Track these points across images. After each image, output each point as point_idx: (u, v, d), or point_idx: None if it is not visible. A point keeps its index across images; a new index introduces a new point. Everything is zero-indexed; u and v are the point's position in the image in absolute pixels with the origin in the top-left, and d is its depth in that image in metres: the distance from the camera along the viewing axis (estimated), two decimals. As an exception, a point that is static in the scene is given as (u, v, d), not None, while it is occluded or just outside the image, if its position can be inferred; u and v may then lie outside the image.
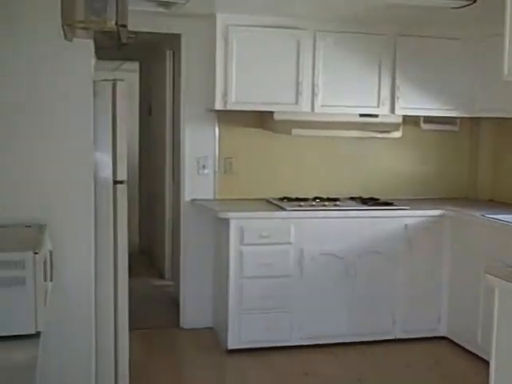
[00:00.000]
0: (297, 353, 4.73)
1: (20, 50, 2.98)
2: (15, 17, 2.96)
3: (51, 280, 2.71)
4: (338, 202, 5.05)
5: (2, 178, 3.00)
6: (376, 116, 5.11)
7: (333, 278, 4.82)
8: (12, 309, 2.30)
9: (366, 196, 5.34)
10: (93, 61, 3.22)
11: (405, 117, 5.24)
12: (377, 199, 5.25)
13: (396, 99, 5.10)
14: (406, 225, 4.93)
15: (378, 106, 5.09)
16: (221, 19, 4.77)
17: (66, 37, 2.32)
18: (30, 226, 2.91)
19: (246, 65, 4.80)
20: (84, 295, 3.23)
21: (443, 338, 5.06)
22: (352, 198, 5.30)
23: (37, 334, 2.34)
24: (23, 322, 2.31)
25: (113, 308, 3.45)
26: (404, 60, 5.09)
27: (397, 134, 5.24)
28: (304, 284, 4.76)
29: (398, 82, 5.09)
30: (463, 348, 4.86)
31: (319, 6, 4.49)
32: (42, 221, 2.99)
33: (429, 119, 5.38)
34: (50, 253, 2.74)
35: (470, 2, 4.23)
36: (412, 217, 4.96)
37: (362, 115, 5.08)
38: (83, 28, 2.31)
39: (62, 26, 2.26)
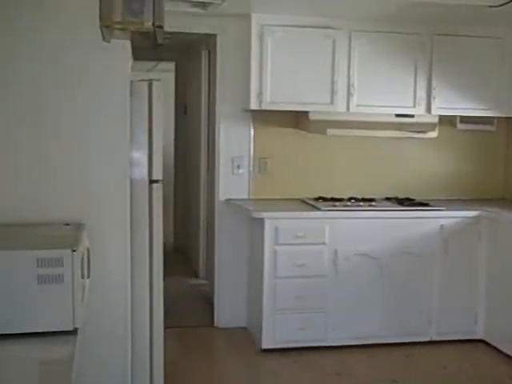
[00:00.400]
0: (331, 353, 4.72)
1: (58, 52, 3.02)
2: (53, 18, 3.01)
3: (88, 277, 2.75)
4: (373, 203, 5.03)
5: (41, 178, 3.04)
6: (412, 116, 5.08)
7: (367, 279, 4.80)
8: (50, 305, 2.33)
9: (401, 196, 5.30)
10: (130, 61, 3.25)
11: (441, 117, 5.20)
12: (412, 199, 5.22)
13: (432, 99, 5.05)
14: (441, 225, 4.89)
15: (414, 106, 5.05)
16: (256, 19, 4.78)
17: (104, 38, 2.35)
18: (68, 224, 2.95)
19: (281, 65, 4.80)
20: (120, 294, 3.26)
21: (480, 340, 5.00)
22: (388, 199, 5.27)
23: (74, 331, 2.37)
24: (61, 319, 2.34)
25: (148, 306, 3.48)
26: (440, 59, 5.05)
27: (433, 134, 5.20)
28: (338, 284, 4.75)
29: (434, 81, 5.05)
30: (500, 351, 4.80)
31: (353, 5, 4.48)
32: (79, 219, 3.03)
33: (465, 119, 5.33)
34: (88, 250, 2.78)
35: (508, 1, 4.17)
36: (448, 217, 4.92)
37: (397, 115, 5.05)
38: (121, 29, 2.34)
39: (100, 27, 2.29)
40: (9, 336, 2.27)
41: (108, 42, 2.40)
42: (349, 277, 4.77)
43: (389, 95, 4.99)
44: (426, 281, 4.91)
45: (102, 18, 2.26)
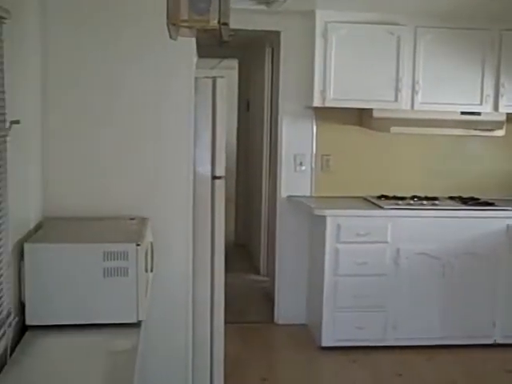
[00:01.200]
0: (391, 353, 4.68)
1: (125, 50, 3.08)
2: (121, 18, 3.07)
3: (151, 271, 2.80)
4: (436, 202, 4.95)
5: (110, 174, 3.12)
6: (478, 114, 4.97)
7: (429, 279, 4.73)
8: (115, 298, 2.39)
9: (465, 195, 5.20)
10: (195, 59, 3.29)
11: (509, 115, 5.07)
12: (477, 199, 5.11)
13: (500, 96, 4.94)
14: (507, 225, 4.78)
15: (481, 104, 4.95)
16: (320, 16, 4.77)
17: (170, 35, 2.38)
18: (133, 219, 3.01)
19: (345, 61, 4.77)
20: (182, 288, 3.31)
21: (545, 344, 4.88)
22: (451, 198, 5.18)
23: (138, 324, 2.42)
24: (125, 311, 2.40)
25: (209, 301, 3.52)
26: (509, 56, 4.92)
27: (500, 133, 5.08)
28: (400, 284, 4.70)
29: (502, 78, 4.93)
30: None
31: (419, 0, 4.42)
32: (144, 214, 3.09)
33: (535, 117, 5.19)
34: (151, 244, 2.83)
35: None
36: (514, 218, 4.81)
37: (463, 113, 4.96)
38: (187, 27, 2.37)
39: (167, 25, 2.32)
40: (76, 326, 2.34)
41: (174, 39, 2.43)
42: (410, 276, 4.71)
43: (454, 92, 4.90)
44: (491, 282, 4.81)
45: (169, 16, 2.29)
